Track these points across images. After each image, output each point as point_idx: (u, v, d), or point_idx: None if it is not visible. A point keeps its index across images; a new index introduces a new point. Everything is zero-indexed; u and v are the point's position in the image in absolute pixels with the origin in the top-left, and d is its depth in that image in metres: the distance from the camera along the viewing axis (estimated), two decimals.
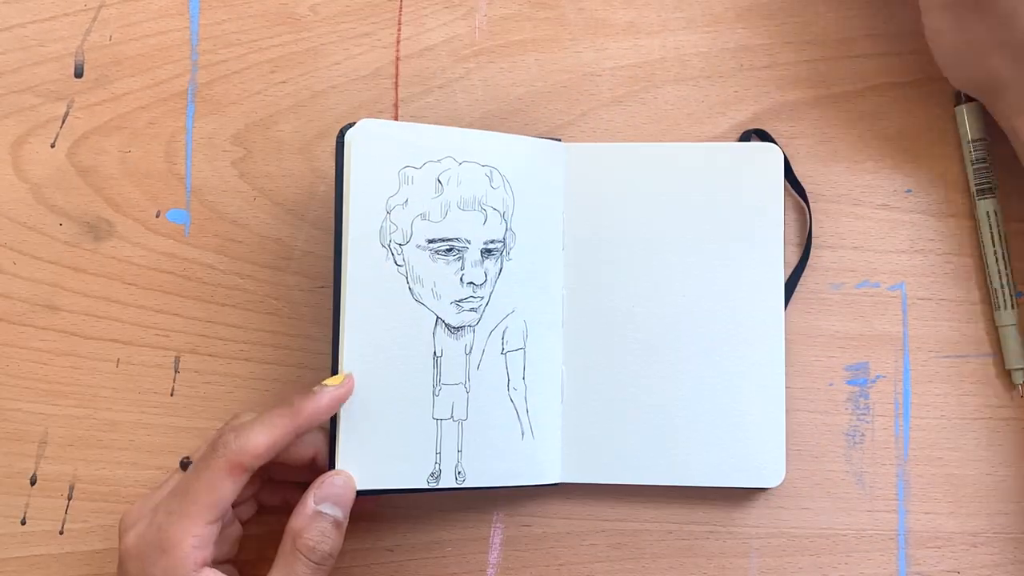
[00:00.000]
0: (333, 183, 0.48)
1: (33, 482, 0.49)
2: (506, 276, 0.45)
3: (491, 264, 0.45)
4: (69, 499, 0.48)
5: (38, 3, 0.50)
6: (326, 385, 0.42)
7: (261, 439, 0.40)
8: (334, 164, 0.44)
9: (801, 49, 0.48)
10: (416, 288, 0.44)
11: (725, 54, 0.48)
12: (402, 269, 0.44)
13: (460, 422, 0.44)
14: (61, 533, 0.48)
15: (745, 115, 0.48)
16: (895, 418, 0.47)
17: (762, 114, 0.48)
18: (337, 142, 0.44)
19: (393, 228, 0.44)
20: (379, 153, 0.43)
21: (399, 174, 0.44)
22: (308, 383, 0.48)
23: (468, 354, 0.45)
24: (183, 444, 0.48)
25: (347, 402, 0.43)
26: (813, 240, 0.47)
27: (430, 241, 0.44)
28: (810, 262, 0.47)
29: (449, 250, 0.44)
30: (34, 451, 0.49)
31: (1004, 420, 0.46)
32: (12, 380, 0.49)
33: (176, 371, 0.48)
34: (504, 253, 0.45)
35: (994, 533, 0.46)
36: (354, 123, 0.43)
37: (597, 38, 0.49)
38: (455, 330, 0.44)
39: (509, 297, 0.45)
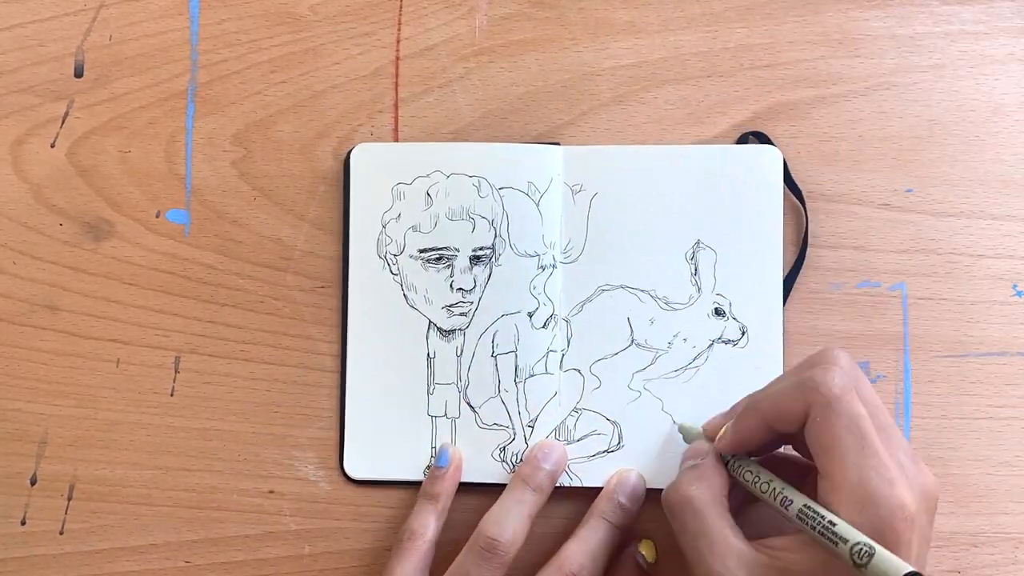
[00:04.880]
0: (333, 183, 0.49)
1: (33, 482, 0.49)
2: (496, 281, 0.47)
3: (480, 270, 0.47)
4: (69, 499, 0.48)
5: (38, 3, 0.50)
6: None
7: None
8: (341, 174, 0.46)
9: (801, 49, 0.48)
10: (410, 295, 0.47)
11: (725, 54, 0.48)
12: (397, 278, 0.47)
13: (453, 419, 0.47)
14: (61, 533, 0.48)
15: (745, 115, 0.48)
16: (895, 418, 0.47)
17: (762, 114, 0.48)
18: (345, 163, 0.47)
19: (388, 241, 0.47)
20: (374, 173, 0.48)
21: (392, 191, 0.47)
22: (308, 383, 0.48)
23: (459, 356, 0.47)
24: (183, 444, 0.48)
25: (352, 400, 0.47)
26: (814, 240, 0.47)
27: (421, 251, 0.47)
28: (811, 262, 0.47)
29: (439, 259, 0.47)
30: (34, 451, 0.49)
31: (1004, 420, 0.46)
32: (12, 380, 0.49)
33: (176, 371, 0.48)
34: (493, 259, 0.47)
35: (994, 533, 0.46)
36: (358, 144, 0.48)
37: (597, 38, 0.49)
38: (446, 333, 0.47)
39: (499, 302, 0.47)
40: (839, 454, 0.37)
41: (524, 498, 0.45)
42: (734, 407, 0.43)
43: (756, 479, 0.40)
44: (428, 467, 0.47)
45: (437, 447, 0.47)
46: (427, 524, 0.45)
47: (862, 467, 0.36)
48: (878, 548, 0.34)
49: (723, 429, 0.42)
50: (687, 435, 0.45)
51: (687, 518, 0.40)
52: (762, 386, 0.41)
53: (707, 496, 0.40)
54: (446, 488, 0.46)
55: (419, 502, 0.46)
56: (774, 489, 0.39)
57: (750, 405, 0.41)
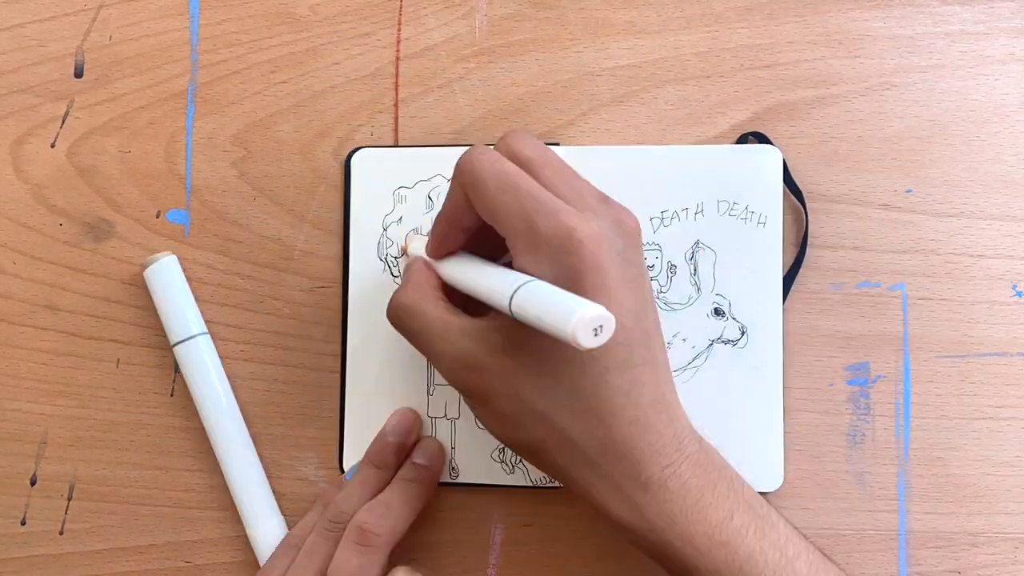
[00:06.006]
0: (333, 183, 0.49)
1: (33, 482, 0.49)
2: None
3: None
4: (69, 499, 0.48)
5: (38, 3, 0.50)
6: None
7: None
8: (341, 174, 0.47)
9: (801, 49, 0.48)
10: None
11: (725, 54, 0.48)
12: (398, 280, 0.47)
13: (453, 420, 0.47)
14: (61, 533, 0.48)
15: (745, 115, 0.48)
16: (895, 418, 0.47)
17: (762, 114, 0.48)
18: (345, 165, 0.48)
19: (389, 243, 0.47)
20: (375, 177, 0.48)
21: (393, 194, 0.48)
22: (308, 383, 0.48)
23: None
24: (183, 445, 0.48)
25: (351, 402, 0.48)
26: (814, 240, 0.47)
27: None
28: (810, 262, 0.47)
29: None
30: (34, 451, 0.49)
31: (1004, 420, 0.46)
32: (12, 380, 0.49)
33: (176, 371, 0.48)
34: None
35: (994, 533, 0.46)
36: (359, 148, 0.48)
37: (597, 38, 0.49)
38: None
39: None
40: (502, 214, 0.37)
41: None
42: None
43: (462, 272, 0.40)
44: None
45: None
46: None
47: (524, 214, 0.37)
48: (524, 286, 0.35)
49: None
50: None
51: (407, 321, 0.41)
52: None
53: (418, 295, 0.41)
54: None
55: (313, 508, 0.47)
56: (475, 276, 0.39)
57: (438, 214, 0.42)
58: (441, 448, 0.47)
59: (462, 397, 0.41)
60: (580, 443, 0.37)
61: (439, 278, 0.42)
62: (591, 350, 0.32)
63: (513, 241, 0.37)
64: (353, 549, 0.43)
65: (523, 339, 0.37)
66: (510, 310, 0.35)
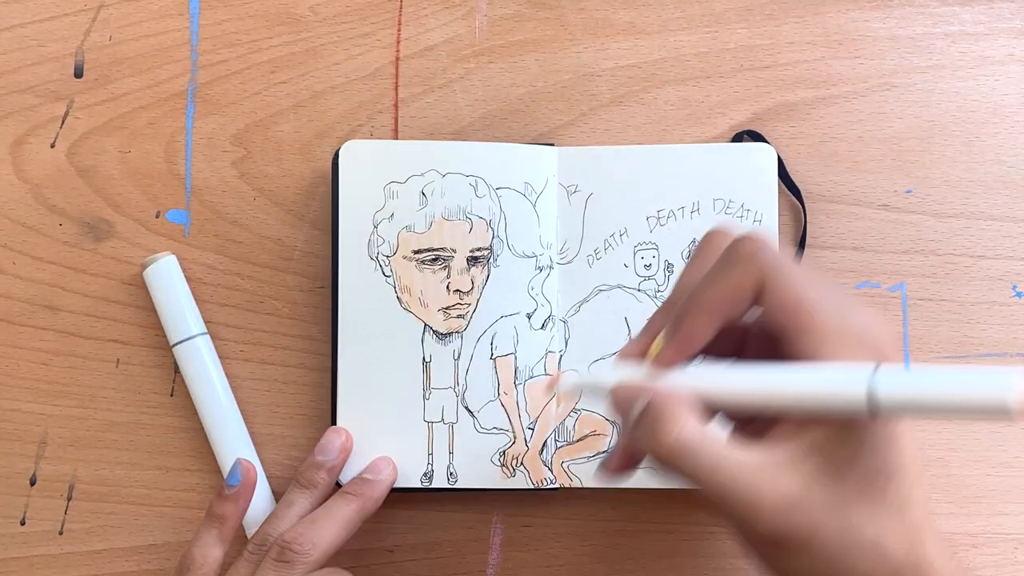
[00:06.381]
0: (332, 183, 0.49)
1: (33, 482, 0.49)
2: (494, 282, 0.46)
3: (478, 271, 0.46)
4: (69, 499, 0.48)
5: (38, 3, 0.50)
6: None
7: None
8: (331, 177, 0.46)
9: (801, 50, 0.48)
10: (404, 297, 0.46)
11: (725, 54, 0.48)
12: (390, 280, 0.46)
13: (451, 425, 0.46)
14: (61, 533, 0.48)
15: (745, 115, 0.48)
16: None
17: (762, 114, 0.48)
18: (332, 163, 0.47)
19: (380, 241, 0.46)
20: (365, 171, 0.46)
21: (384, 189, 0.46)
22: (308, 383, 0.48)
23: (457, 359, 0.46)
24: (183, 444, 0.48)
25: (345, 405, 0.46)
26: (814, 240, 0.47)
27: (416, 252, 0.46)
28: (810, 262, 0.47)
29: (435, 260, 0.46)
30: (34, 451, 0.49)
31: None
32: (12, 380, 0.49)
33: (176, 371, 0.48)
34: (491, 260, 0.46)
35: (994, 533, 0.46)
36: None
37: (597, 38, 0.49)
38: (443, 336, 0.46)
39: (498, 303, 0.46)
40: (809, 308, 0.34)
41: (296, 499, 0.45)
42: (647, 325, 0.39)
43: (741, 382, 0.35)
44: (425, 475, 0.46)
45: (432, 453, 0.46)
46: (207, 554, 0.43)
47: (834, 311, 0.34)
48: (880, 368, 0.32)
49: (656, 344, 0.37)
50: (591, 388, 0.38)
51: (688, 464, 0.34)
52: None
53: (692, 434, 0.34)
54: (232, 510, 0.44)
55: (204, 523, 0.44)
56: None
57: (693, 302, 0.36)
58: (389, 463, 0.45)
59: (761, 555, 0.35)
60: (903, 570, 0.33)
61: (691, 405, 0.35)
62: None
63: (821, 337, 0.34)
64: (271, 567, 0.41)
65: (847, 458, 0.33)
66: (872, 403, 0.31)
